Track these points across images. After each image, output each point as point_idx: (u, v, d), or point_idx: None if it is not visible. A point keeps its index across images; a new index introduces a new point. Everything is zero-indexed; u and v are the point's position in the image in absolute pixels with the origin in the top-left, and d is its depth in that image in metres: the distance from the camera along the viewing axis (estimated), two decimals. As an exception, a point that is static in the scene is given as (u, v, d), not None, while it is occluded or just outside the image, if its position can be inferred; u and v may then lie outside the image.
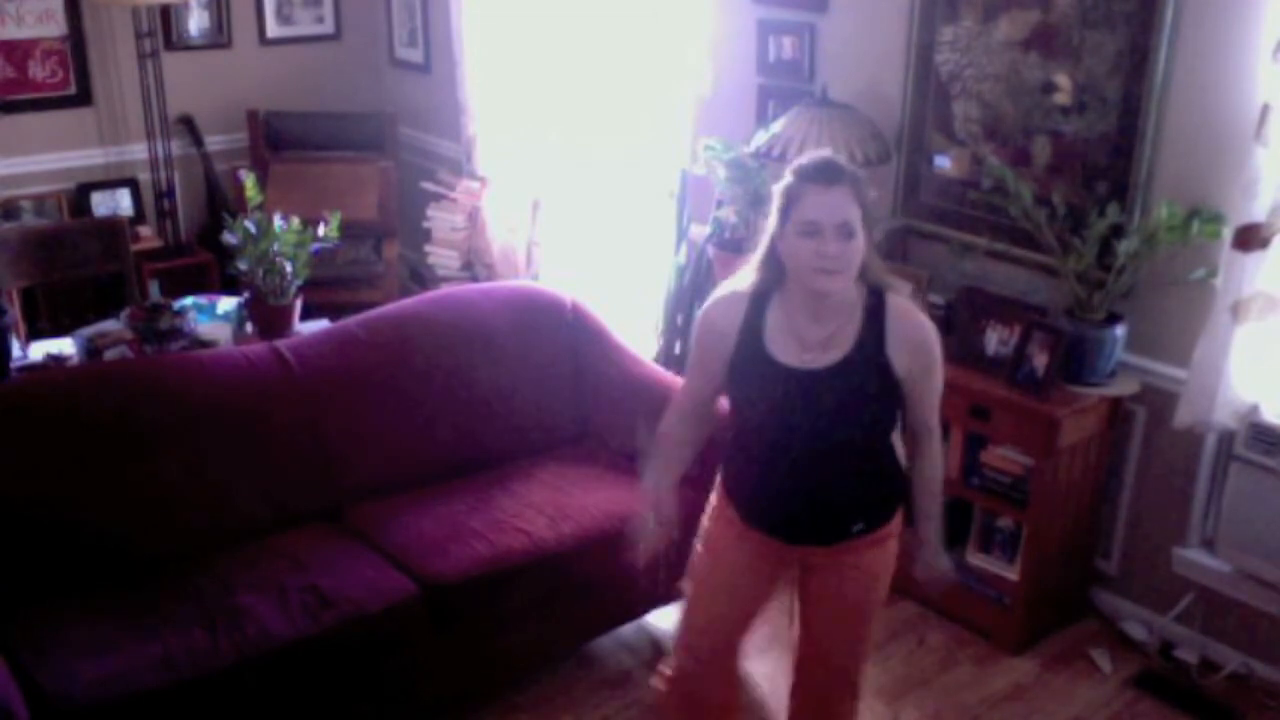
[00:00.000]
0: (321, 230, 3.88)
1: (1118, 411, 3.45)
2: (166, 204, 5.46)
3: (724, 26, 4.31)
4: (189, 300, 4.11)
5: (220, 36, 5.67)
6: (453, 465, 3.49)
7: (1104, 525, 3.62)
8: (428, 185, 5.58)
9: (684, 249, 4.43)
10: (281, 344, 3.49)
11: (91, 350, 3.74)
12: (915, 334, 2.36)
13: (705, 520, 2.62)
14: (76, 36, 5.29)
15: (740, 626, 2.62)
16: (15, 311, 4.26)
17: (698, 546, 2.62)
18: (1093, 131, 3.38)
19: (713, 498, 2.61)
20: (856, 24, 3.91)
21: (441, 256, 5.50)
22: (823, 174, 2.27)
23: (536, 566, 3.12)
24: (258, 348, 3.46)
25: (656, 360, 4.15)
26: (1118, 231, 3.27)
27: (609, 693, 3.34)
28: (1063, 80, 3.42)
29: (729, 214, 4.08)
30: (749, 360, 2.37)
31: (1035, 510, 3.40)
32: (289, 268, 3.81)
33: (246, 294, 3.97)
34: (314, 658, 2.84)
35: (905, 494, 2.54)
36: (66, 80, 5.31)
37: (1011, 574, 3.51)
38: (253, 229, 3.77)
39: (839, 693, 2.66)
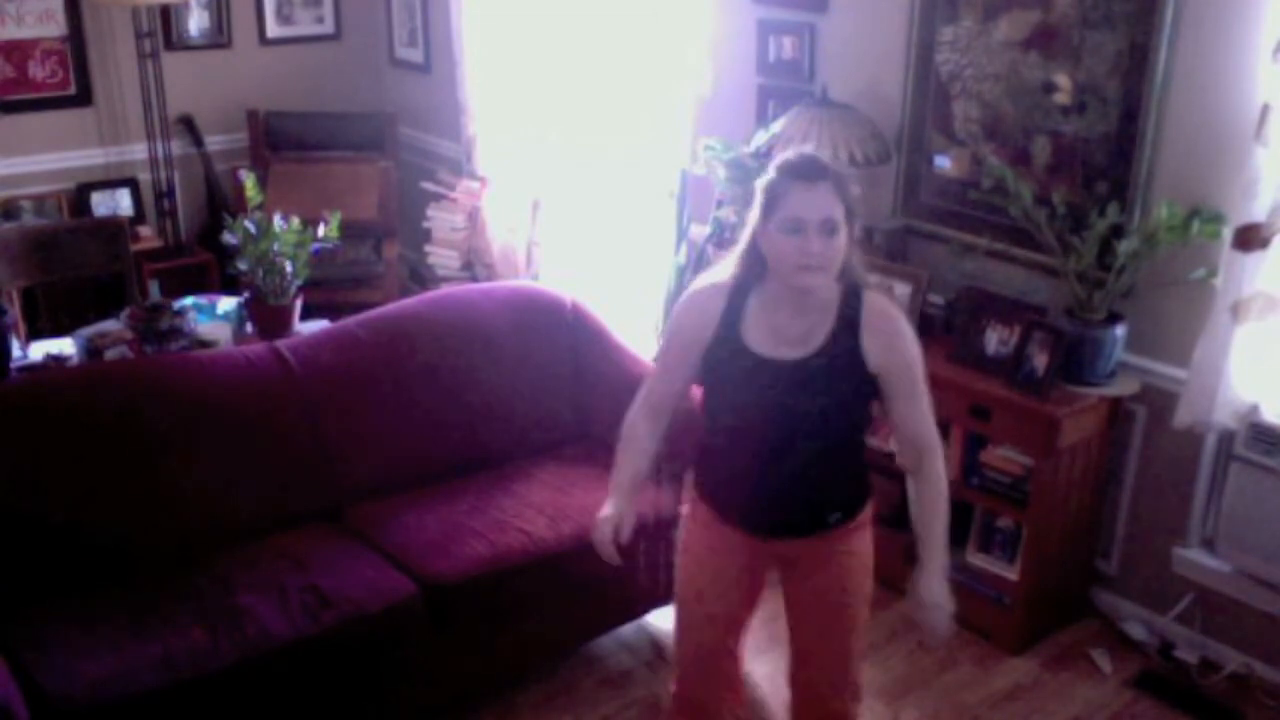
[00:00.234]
0: (321, 230, 3.88)
1: (1118, 411, 3.45)
2: (166, 204, 5.46)
3: (724, 26, 4.31)
4: (189, 300, 4.11)
5: (220, 36, 5.67)
6: (453, 465, 3.49)
7: (1104, 525, 3.62)
8: (428, 185, 5.58)
9: (684, 249, 4.43)
10: (281, 344, 3.49)
11: (91, 350, 3.74)
12: (888, 325, 2.35)
13: (681, 530, 2.61)
14: (76, 36, 5.29)
15: (733, 628, 2.62)
16: (15, 311, 4.26)
17: (679, 561, 2.62)
18: (1093, 131, 3.38)
19: (686, 507, 2.60)
20: (856, 24, 3.91)
21: (441, 256, 5.50)
22: (806, 171, 2.27)
23: (536, 566, 3.12)
24: (258, 348, 3.46)
25: (656, 360, 4.14)
26: (1118, 231, 3.27)
27: (609, 693, 3.34)
28: (1063, 80, 3.42)
29: (729, 214, 4.08)
30: (726, 351, 2.37)
31: (1035, 510, 3.40)
32: (289, 268, 3.81)
33: (246, 294, 3.97)
34: (314, 658, 2.84)
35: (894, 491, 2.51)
36: (66, 80, 5.31)
37: (1011, 574, 3.51)
38: (253, 229, 3.77)
39: (837, 691, 2.64)
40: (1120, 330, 3.34)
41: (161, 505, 3.11)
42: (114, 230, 4.48)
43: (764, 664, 3.30)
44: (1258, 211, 2.98)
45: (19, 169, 5.24)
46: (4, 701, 2.46)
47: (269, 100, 5.68)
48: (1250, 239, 3.00)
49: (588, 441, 3.68)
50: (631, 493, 2.52)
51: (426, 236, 5.57)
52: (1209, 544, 3.40)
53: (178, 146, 5.52)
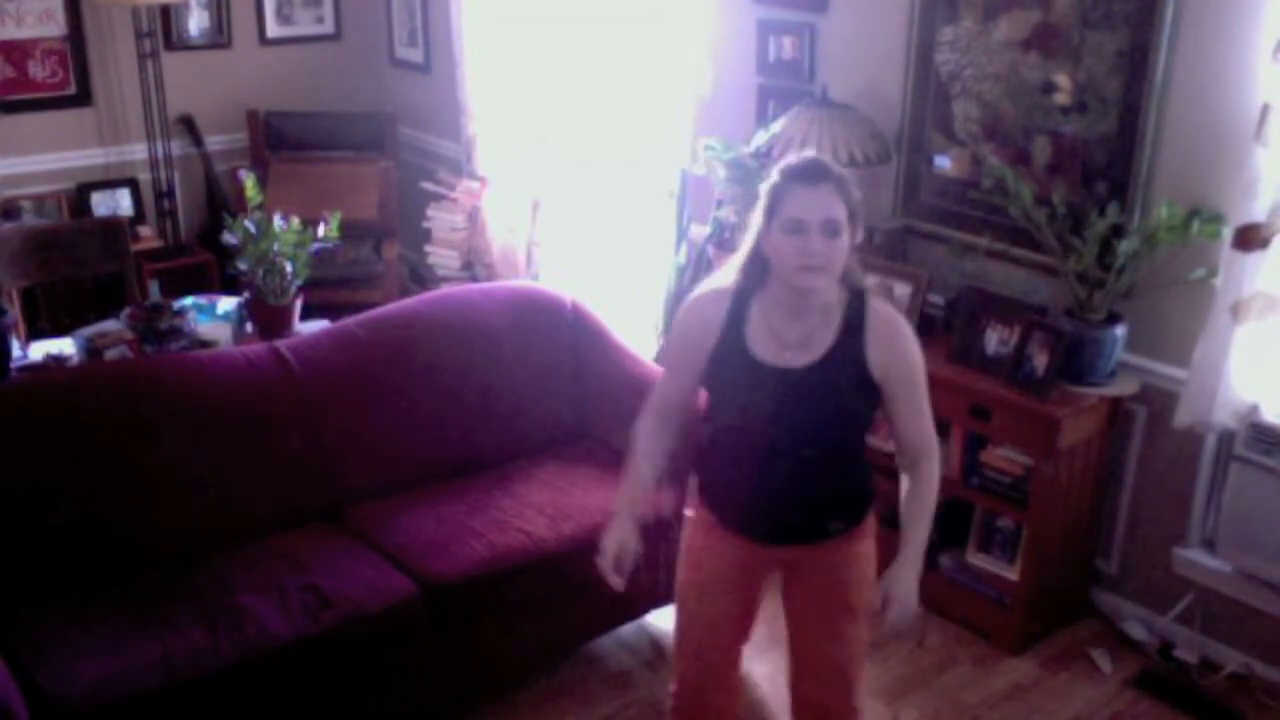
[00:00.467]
0: (321, 230, 3.88)
1: (1118, 411, 3.45)
2: (166, 204, 5.46)
3: (724, 26, 4.31)
4: (189, 300, 4.11)
5: (220, 36, 5.67)
6: (453, 465, 3.49)
7: (1104, 525, 3.62)
8: (428, 185, 5.58)
9: (684, 249, 4.43)
10: (281, 344, 3.49)
11: (91, 350, 3.74)
12: (893, 332, 2.36)
13: (684, 535, 2.61)
14: (76, 36, 5.29)
15: (734, 633, 2.61)
16: (15, 311, 4.26)
17: (680, 563, 2.61)
18: (1093, 131, 3.38)
19: (689, 511, 2.60)
20: (856, 24, 3.91)
21: (441, 256, 5.50)
22: (808, 173, 2.28)
23: (536, 566, 3.12)
24: (258, 348, 3.46)
25: (656, 360, 4.14)
26: (1118, 231, 3.27)
27: (609, 693, 3.35)
28: (1063, 80, 3.42)
29: (729, 214, 4.08)
30: (730, 357, 2.37)
31: (1035, 510, 3.40)
32: (289, 268, 3.81)
33: (246, 294, 3.97)
34: (314, 658, 2.84)
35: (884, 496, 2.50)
36: (66, 80, 5.31)
37: (1011, 574, 3.51)
38: (253, 229, 3.77)
39: (838, 701, 2.61)
40: (1120, 330, 3.34)
41: (161, 505, 3.11)
42: (114, 230, 4.48)
43: (764, 664, 3.30)
44: (1258, 211, 2.99)
45: (19, 169, 5.24)
46: (4, 702, 2.46)
47: (269, 100, 5.69)
48: (1250, 239, 3.00)
49: (588, 441, 3.68)
50: (636, 513, 2.45)
51: (426, 236, 5.57)
52: (1209, 544, 3.40)
53: (178, 146, 5.52)
